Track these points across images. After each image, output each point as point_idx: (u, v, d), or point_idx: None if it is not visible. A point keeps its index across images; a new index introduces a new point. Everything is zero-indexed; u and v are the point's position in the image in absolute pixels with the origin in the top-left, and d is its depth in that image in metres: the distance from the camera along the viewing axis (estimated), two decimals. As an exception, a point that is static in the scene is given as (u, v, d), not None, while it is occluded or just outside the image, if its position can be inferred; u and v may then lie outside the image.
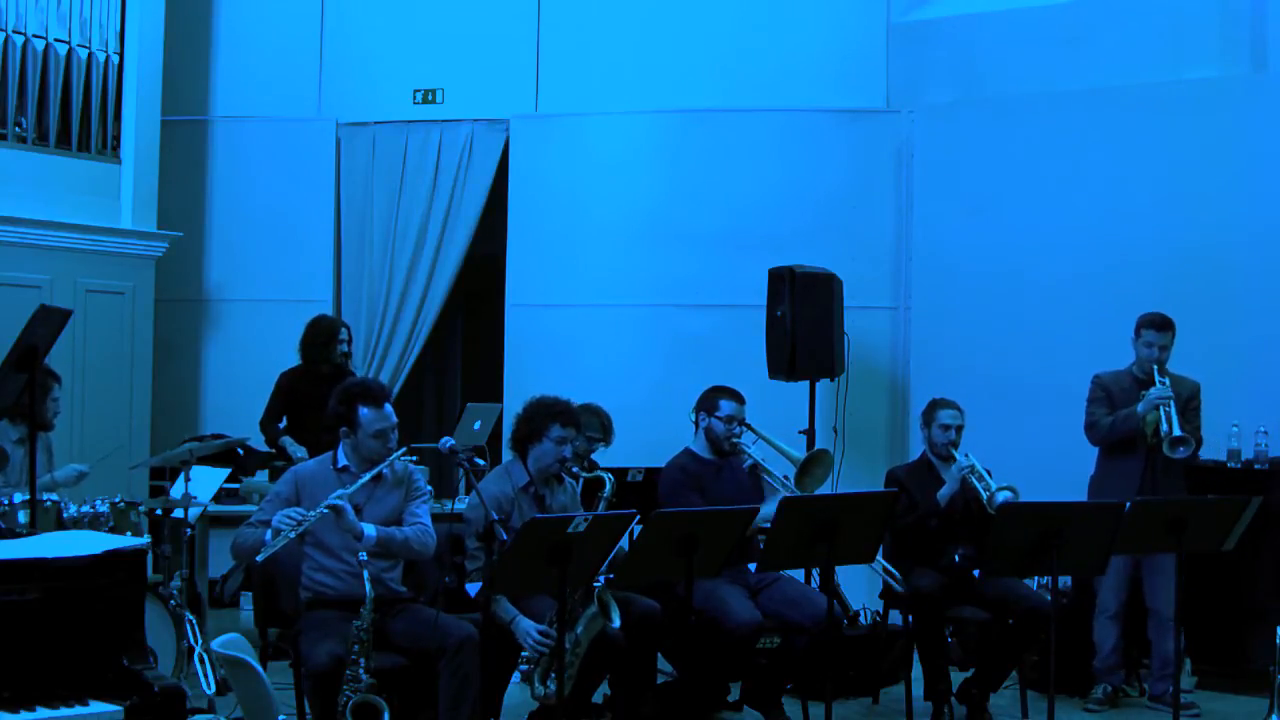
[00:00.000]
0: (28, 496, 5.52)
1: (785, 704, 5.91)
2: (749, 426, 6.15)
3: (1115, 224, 7.76)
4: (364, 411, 5.09)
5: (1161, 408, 6.24)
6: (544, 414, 5.54)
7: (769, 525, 5.23)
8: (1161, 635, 6.33)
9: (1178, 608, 5.68)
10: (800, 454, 6.27)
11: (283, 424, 7.73)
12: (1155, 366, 6.36)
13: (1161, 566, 6.28)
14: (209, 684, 5.92)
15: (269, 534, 4.84)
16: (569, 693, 5.18)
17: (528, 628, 5.16)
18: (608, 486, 5.77)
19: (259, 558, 4.82)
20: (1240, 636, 6.69)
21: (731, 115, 8.71)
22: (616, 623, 5.25)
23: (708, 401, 6.15)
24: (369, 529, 4.98)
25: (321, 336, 7.65)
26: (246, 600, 7.84)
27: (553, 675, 5.12)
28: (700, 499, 5.92)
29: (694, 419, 6.21)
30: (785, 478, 6.08)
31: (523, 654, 5.26)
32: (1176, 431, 6.18)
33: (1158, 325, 6.41)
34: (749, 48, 8.76)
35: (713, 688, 6.03)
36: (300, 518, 4.83)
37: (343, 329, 7.72)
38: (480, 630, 4.99)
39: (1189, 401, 6.39)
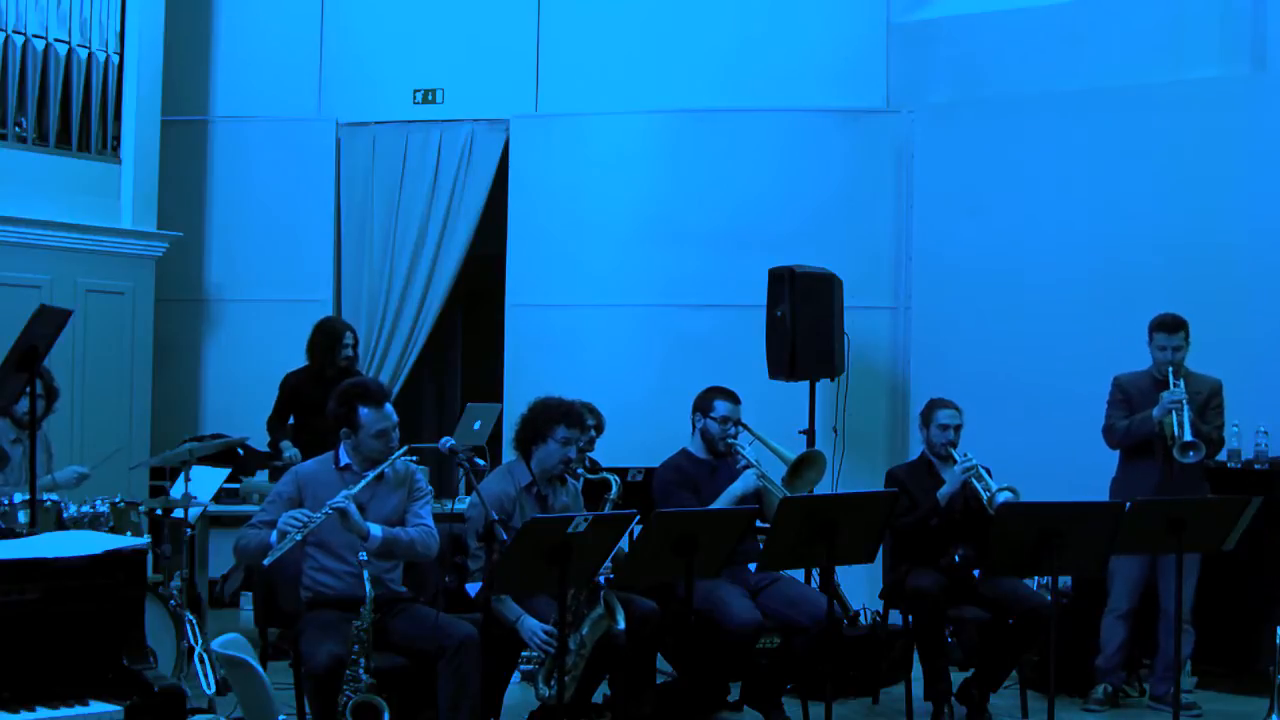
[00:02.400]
0: (28, 496, 5.51)
1: (785, 704, 5.91)
2: (745, 427, 6.14)
3: (1115, 224, 7.76)
4: (364, 412, 5.08)
5: (1174, 411, 6.24)
6: (549, 415, 5.55)
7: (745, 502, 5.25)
8: (1171, 636, 6.31)
9: (1178, 607, 5.68)
10: (792, 454, 6.24)
11: (288, 425, 7.75)
12: (1170, 369, 6.36)
13: (1176, 567, 6.28)
14: (209, 684, 5.92)
15: (274, 536, 4.83)
16: (573, 693, 5.18)
17: (534, 627, 5.16)
18: (614, 489, 5.77)
19: (266, 561, 4.80)
20: (1241, 637, 6.68)
21: (731, 115, 8.71)
22: (621, 624, 5.25)
23: (703, 402, 6.15)
24: (375, 529, 4.97)
25: (327, 340, 7.63)
26: (246, 600, 7.83)
27: (555, 678, 5.13)
28: (693, 498, 5.92)
29: (691, 419, 6.20)
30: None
31: (523, 654, 5.26)
32: (1187, 436, 6.17)
33: (1168, 327, 6.40)
34: (749, 48, 8.76)
35: (713, 688, 6.03)
36: (305, 519, 4.82)
37: (348, 333, 7.70)
38: (480, 630, 4.99)
39: (1210, 400, 6.38)
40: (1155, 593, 6.43)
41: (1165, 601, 6.37)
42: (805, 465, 6.18)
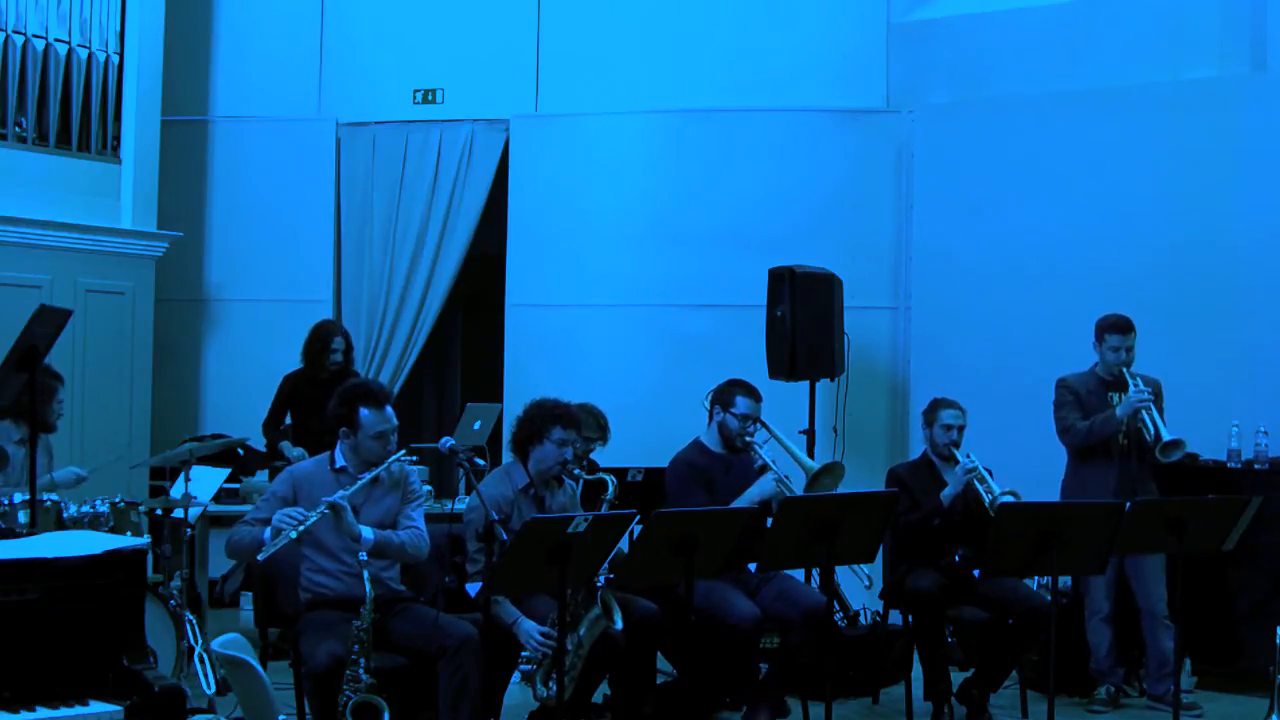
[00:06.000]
0: (28, 496, 5.51)
1: (785, 704, 5.91)
2: (764, 425, 6.09)
3: (1115, 224, 7.76)
4: (365, 413, 5.08)
5: (1143, 411, 6.24)
6: (545, 416, 5.53)
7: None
8: (1155, 635, 6.34)
9: (1172, 605, 5.69)
10: (814, 464, 6.21)
11: (285, 426, 7.74)
12: (1124, 370, 6.36)
13: (1149, 566, 6.30)
14: (209, 684, 5.92)
15: (268, 533, 4.84)
16: (571, 694, 5.18)
17: (530, 629, 5.16)
18: (610, 489, 5.76)
19: (260, 557, 4.82)
20: (1239, 636, 6.69)
21: (731, 115, 8.71)
22: (619, 624, 5.25)
23: (724, 396, 6.04)
24: (367, 532, 4.97)
25: (318, 343, 7.67)
26: (246, 600, 7.84)
27: (554, 676, 5.12)
28: (707, 496, 5.88)
29: (708, 408, 6.14)
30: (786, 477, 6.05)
31: (523, 654, 5.26)
32: (1167, 435, 6.18)
33: (1121, 329, 6.39)
34: (749, 48, 8.76)
35: (713, 688, 6.02)
36: (301, 517, 4.82)
37: (336, 337, 7.70)
38: (480, 630, 4.99)
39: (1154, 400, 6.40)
40: (1130, 591, 6.44)
41: (1142, 600, 6.39)
42: (825, 474, 6.16)
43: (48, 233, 8.14)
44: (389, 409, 5.14)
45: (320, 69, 9.29)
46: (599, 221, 8.84)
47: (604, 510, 5.63)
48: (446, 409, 10.40)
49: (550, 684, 5.15)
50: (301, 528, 4.81)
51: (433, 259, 9.09)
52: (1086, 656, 6.51)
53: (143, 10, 8.59)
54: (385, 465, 5.05)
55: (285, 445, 7.56)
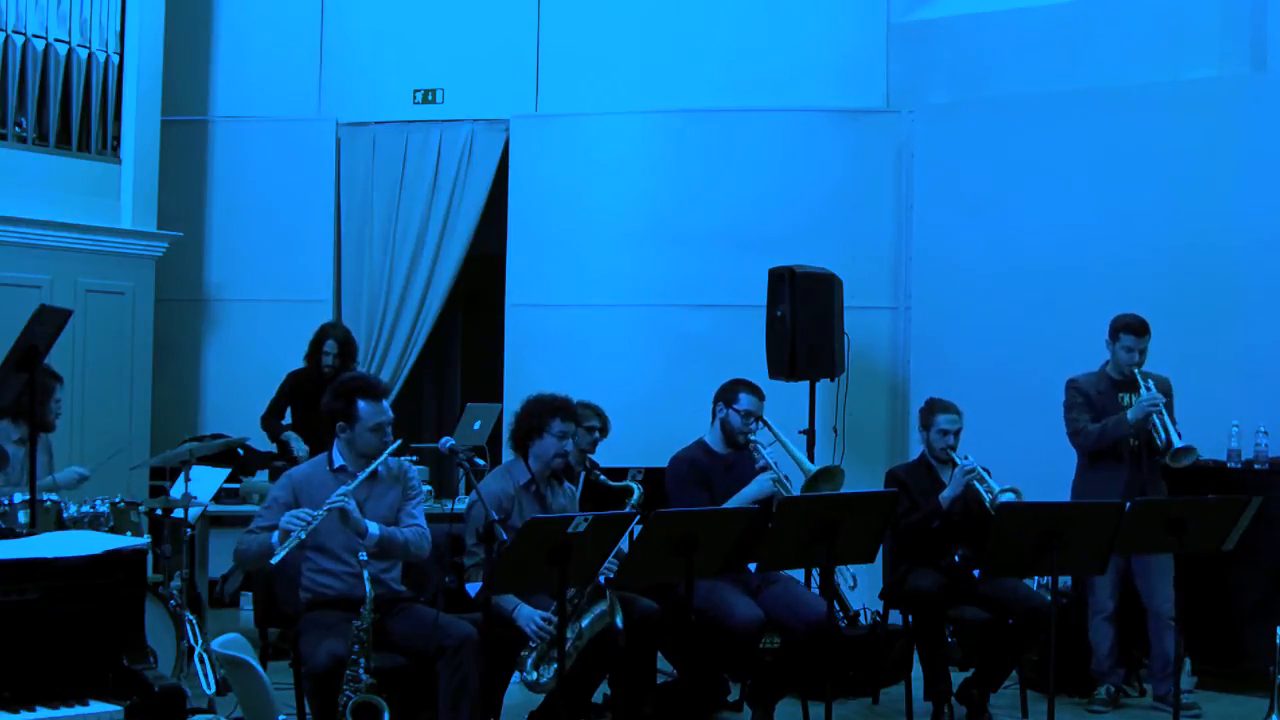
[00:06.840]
0: (28, 496, 5.51)
1: (785, 704, 5.90)
2: (766, 424, 6.10)
3: (1115, 224, 7.77)
4: (363, 405, 5.08)
5: (1154, 415, 6.23)
6: (543, 410, 5.54)
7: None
8: (1161, 636, 6.33)
9: (1178, 607, 5.68)
10: (812, 467, 6.21)
11: (285, 422, 7.75)
12: (1135, 371, 6.35)
13: (1156, 566, 6.29)
14: (209, 684, 5.92)
15: (276, 536, 4.83)
16: (560, 685, 5.17)
17: (531, 614, 5.18)
18: (635, 494, 5.76)
19: (273, 560, 4.79)
20: (1240, 636, 6.69)
21: (731, 115, 8.71)
22: (619, 623, 5.26)
23: (727, 392, 6.07)
24: (373, 527, 4.98)
25: (313, 345, 7.69)
26: (246, 600, 7.84)
27: (544, 664, 5.13)
28: (706, 496, 5.89)
29: (712, 409, 6.15)
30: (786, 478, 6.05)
31: (521, 654, 5.26)
32: (1178, 442, 6.16)
33: (1136, 330, 6.38)
34: (749, 48, 8.76)
35: (713, 688, 6.02)
36: (309, 518, 4.81)
37: (329, 340, 7.70)
38: (480, 630, 4.99)
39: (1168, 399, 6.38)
40: (1134, 591, 6.44)
41: (1148, 600, 6.39)
42: (823, 479, 6.16)
43: (48, 233, 8.14)
44: (385, 402, 5.15)
45: (320, 69, 9.29)
46: (599, 221, 8.84)
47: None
48: (446, 409, 10.40)
49: (541, 669, 5.16)
50: (309, 528, 4.80)
51: (433, 259, 9.09)
52: (1087, 656, 6.51)
53: (143, 10, 8.59)
54: (382, 458, 5.06)
55: (291, 435, 7.58)
